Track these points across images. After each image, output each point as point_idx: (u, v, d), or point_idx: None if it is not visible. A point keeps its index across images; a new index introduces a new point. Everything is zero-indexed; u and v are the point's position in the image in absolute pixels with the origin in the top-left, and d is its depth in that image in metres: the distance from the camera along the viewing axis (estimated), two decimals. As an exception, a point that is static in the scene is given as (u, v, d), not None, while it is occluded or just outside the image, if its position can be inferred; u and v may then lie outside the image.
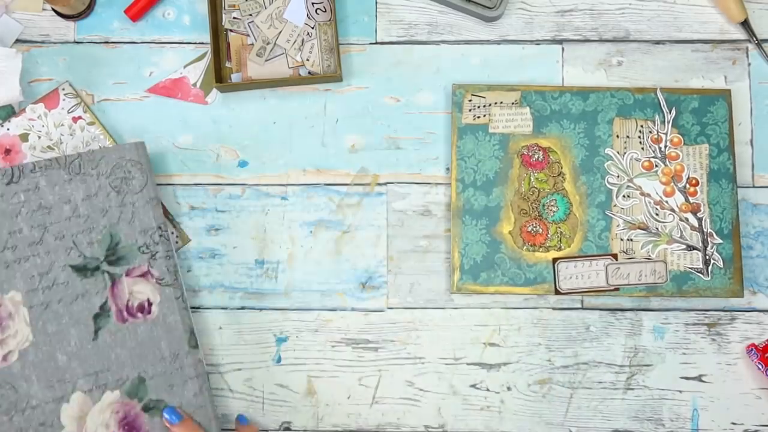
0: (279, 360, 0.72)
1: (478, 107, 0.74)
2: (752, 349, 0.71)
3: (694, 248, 0.71)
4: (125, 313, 0.67)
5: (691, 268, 0.71)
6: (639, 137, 0.73)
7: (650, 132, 0.73)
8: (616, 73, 0.76)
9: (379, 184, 0.75)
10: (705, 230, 0.71)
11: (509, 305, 0.73)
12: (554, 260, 0.71)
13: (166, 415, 0.65)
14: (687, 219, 0.72)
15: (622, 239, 0.71)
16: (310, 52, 0.76)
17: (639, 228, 0.72)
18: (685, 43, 0.77)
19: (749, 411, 0.71)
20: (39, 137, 0.73)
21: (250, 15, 0.77)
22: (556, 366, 0.72)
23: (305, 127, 0.76)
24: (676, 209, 0.72)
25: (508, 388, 0.72)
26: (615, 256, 0.71)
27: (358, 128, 0.76)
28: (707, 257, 0.71)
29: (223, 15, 0.77)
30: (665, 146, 0.73)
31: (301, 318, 0.73)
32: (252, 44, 0.76)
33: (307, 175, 0.75)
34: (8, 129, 0.73)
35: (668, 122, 0.73)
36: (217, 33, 0.76)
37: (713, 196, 0.72)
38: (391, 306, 0.73)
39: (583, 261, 0.71)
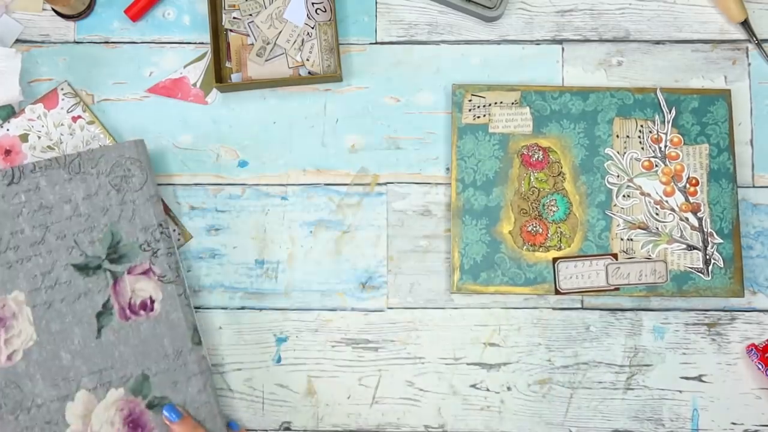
0: (279, 360, 0.72)
1: (478, 107, 0.74)
2: (752, 349, 0.71)
3: (695, 248, 0.71)
4: (128, 311, 0.67)
5: (692, 268, 0.71)
6: (639, 137, 0.73)
7: (650, 132, 0.73)
8: (616, 73, 0.76)
9: (379, 184, 0.75)
10: (705, 230, 0.71)
11: (509, 305, 0.73)
12: (554, 260, 0.71)
13: (165, 413, 0.65)
14: (687, 219, 0.72)
15: (622, 239, 0.71)
16: (310, 52, 0.76)
17: (639, 228, 0.72)
18: (685, 43, 0.77)
19: (749, 411, 0.71)
20: (39, 137, 0.73)
21: (250, 15, 0.77)
22: (556, 366, 0.72)
23: (305, 127, 0.76)
24: (676, 209, 0.72)
25: (508, 388, 0.72)
26: (615, 256, 0.71)
27: (358, 128, 0.76)
28: (707, 257, 0.71)
29: (223, 15, 0.77)
30: (665, 146, 0.73)
31: (301, 318, 0.73)
32: (252, 44, 0.76)
33: (307, 175, 0.75)
34: (8, 130, 0.73)
35: (668, 122, 0.73)
36: (217, 33, 0.76)
37: (713, 195, 0.72)
38: (391, 306, 0.73)
39: (583, 261, 0.71)
